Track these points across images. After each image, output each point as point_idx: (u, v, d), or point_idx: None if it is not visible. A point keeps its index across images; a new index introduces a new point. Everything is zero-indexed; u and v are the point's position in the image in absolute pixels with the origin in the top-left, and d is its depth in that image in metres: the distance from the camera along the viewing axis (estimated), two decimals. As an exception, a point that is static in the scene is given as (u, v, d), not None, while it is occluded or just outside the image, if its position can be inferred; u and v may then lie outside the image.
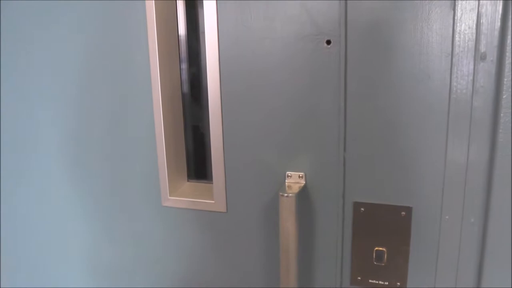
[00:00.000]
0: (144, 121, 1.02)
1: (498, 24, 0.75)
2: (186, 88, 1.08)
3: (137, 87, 1.00)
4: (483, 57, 0.77)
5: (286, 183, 0.93)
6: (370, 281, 0.93)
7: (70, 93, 1.07)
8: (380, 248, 0.91)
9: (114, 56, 1.00)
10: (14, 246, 1.28)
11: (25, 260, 1.28)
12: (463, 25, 0.76)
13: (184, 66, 1.07)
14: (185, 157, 1.10)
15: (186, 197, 1.02)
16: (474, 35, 0.76)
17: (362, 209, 0.90)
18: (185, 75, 1.08)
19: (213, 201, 0.99)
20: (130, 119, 1.03)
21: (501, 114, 0.78)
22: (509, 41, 0.75)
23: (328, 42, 0.85)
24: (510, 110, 0.78)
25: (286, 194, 0.86)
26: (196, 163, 1.12)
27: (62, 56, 1.05)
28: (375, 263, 0.92)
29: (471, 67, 0.77)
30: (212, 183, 1.01)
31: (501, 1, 0.74)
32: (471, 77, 0.78)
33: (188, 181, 1.12)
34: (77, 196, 1.14)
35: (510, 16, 0.75)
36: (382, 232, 0.90)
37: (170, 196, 1.03)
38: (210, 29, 0.91)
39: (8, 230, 1.27)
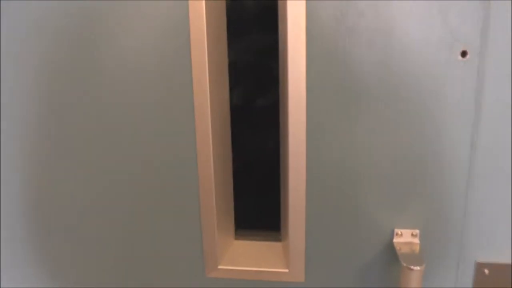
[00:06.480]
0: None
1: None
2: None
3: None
4: None
5: (395, 243, 0.70)
6: None
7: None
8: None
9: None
10: None
11: None
12: None
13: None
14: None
15: (241, 266, 0.73)
16: None
17: (486, 270, 0.72)
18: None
19: (286, 270, 0.72)
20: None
21: None
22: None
23: (464, 53, 0.64)
24: None
25: (413, 267, 0.63)
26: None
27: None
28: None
29: None
30: (267, 241, 0.74)
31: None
32: None
33: (235, 239, 0.82)
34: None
35: None
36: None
37: (220, 265, 0.73)
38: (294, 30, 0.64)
39: None
